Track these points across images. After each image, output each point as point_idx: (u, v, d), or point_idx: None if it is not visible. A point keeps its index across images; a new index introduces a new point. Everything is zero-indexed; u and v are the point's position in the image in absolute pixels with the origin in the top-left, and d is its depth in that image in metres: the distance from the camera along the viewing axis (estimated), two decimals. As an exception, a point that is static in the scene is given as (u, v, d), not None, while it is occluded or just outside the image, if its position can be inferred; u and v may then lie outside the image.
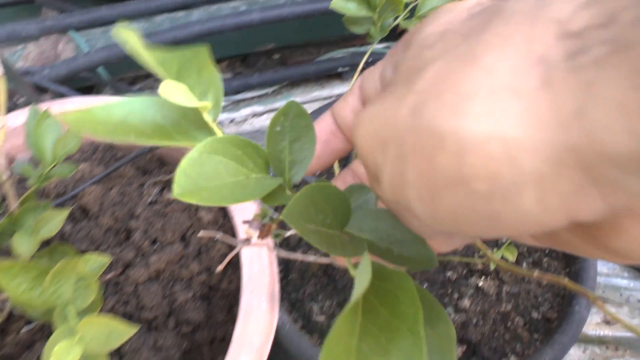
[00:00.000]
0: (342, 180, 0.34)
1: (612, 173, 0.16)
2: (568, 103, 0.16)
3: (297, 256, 0.52)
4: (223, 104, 1.03)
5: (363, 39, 1.04)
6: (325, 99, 1.03)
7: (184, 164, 0.25)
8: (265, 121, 1.00)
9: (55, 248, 0.56)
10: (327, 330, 0.74)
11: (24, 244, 0.54)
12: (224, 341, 0.68)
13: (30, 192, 0.57)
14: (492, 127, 0.17)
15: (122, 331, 0.43)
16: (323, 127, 0.32)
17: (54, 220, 0.54)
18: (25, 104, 0.81)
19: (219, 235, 0.54)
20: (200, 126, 0.29)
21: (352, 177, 0.33)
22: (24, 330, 0.66)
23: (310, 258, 0.55)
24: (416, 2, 0.64)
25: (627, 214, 0.18)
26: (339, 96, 1.03)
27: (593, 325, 1.08)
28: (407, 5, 0.63)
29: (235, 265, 0.70)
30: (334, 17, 0.92)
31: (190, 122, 0.29)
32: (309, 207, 0.26)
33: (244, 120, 1.01)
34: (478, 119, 0.17)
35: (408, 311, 0.23)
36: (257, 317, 0.61)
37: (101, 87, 1.01)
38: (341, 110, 0.32)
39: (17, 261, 0.49)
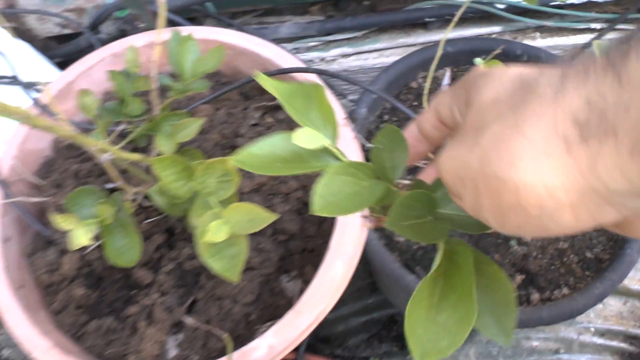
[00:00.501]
0: (427, 174, 0.44)
1: (619, 199, 0.27)
2: (584, 163, 0.26)
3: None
4: (314, 43, 1.11)
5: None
6: (409, 46, 1.08)
7: (318, 188, 0.35)
8: (352, 62, 1.07)
9: (188, 151, 0.66)
10: (406, 250, 0.84)
11: (165, 145, 0.63)
12: (313, 252, 0.77)
13: (169, 101, 0.66)
14: (538, 178, 0.28)
15: (264, 217, 0.52)
16: (410, 135, 0.42)
17: (191, 127, 0.64)
18: (145, 29, 0.90)
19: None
20: (328, 152, 0.39)
21: (435, 171, 0.43)
22: (145, 222, 0.76)
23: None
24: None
25: (634, 218, 0.32)
26: (422, 44, 1.10)
27: (636, 281, 1.15)
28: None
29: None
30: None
31: (321, 150, 0.39)
32: (404, 211, 0.36)
33: (333, 59, 1.09)
34: (527, 172, 0.28)
35: (467, 279, 0.34)
36: (352, 230, 0.70)
37: (203, 19, 1.09)
38: (423, 124, 0.41)
39: (168, 155, 0.58)
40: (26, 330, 0.71)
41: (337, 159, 0.39)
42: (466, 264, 0.34)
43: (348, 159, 0.38)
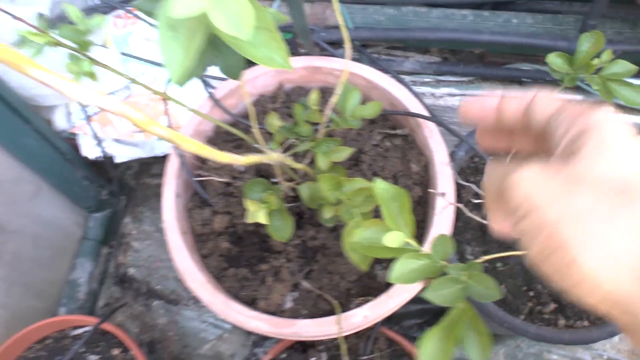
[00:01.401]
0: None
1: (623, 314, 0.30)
2: (634, 292, 0.29)
3: (468, 213, 0.84)
4: (429, 80, 1.34)
5: (547, 57, 1.30)
6: (504, 97, 1.30)
7: (395, 266, 0.55)
8: (456, 102, 1.29)
9: (335, 167, 0.90)
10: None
11: (322, 161, 0.88)
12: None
13: (327, 130, 0.91)
14: (595, 270, 0.30)
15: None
16: (490, 102, 0.42)
17: (343, 152, 0.88)
18: (305, 53, 1.15)
19: (433, 190, 0.87)
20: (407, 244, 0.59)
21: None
22: (285, 205, 1.01)
23: (475, 216, 0.87)
24: (601, 67, 0.90)
25: None
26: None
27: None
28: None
29: (423, 205, 1.03)
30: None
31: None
32: (438, 286, 0.56)
33: (441, 97, 1.31)
34: (591, 260, 0.30)
35: (460, 331, 0.54)
36: (437, 243, 0.94)
37: (342, 44, 1.33)
38: (505, 105, 0.41)
39: (326, 174, 0.82)
40: (188, 266, 0.97)
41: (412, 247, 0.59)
42: (464, 320, 0.54)
43: (418, 247, 0.58)
